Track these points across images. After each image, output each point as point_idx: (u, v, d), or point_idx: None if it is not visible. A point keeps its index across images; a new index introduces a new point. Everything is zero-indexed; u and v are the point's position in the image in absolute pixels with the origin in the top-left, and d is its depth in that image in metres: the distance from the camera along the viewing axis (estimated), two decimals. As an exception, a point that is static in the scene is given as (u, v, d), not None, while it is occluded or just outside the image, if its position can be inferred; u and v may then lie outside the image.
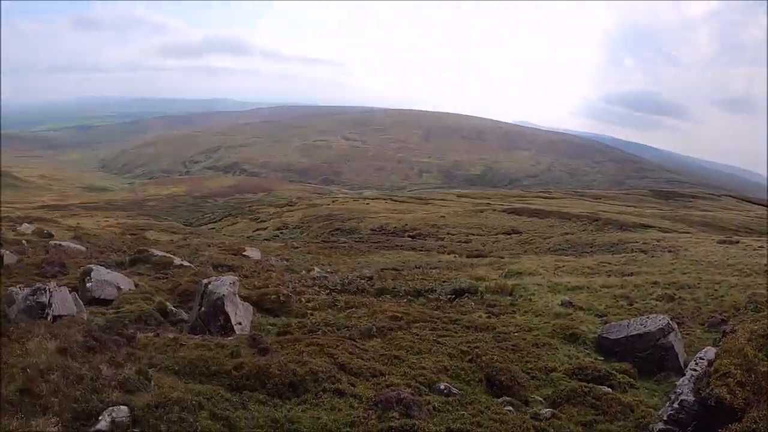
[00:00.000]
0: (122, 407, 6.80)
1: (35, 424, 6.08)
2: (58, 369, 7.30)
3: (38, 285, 11.67)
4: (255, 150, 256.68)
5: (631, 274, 22.52)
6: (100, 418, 6.60)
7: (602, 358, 11.95)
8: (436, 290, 18.54)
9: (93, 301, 14.82)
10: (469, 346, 11.76)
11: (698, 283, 19.19)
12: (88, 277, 15.71)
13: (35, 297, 10.78)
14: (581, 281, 19.56)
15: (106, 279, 15.95)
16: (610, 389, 10.09)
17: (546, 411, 8.98)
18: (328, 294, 18.34)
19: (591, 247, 38.18)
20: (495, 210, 64.49)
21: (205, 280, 13.79)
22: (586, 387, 9.90)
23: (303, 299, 16.96)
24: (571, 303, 16.05)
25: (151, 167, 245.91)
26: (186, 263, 23.28)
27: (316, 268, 26.16)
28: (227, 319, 12.55)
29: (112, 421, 6.58)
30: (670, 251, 31.48)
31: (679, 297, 17.50)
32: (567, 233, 47.68)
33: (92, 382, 7.30)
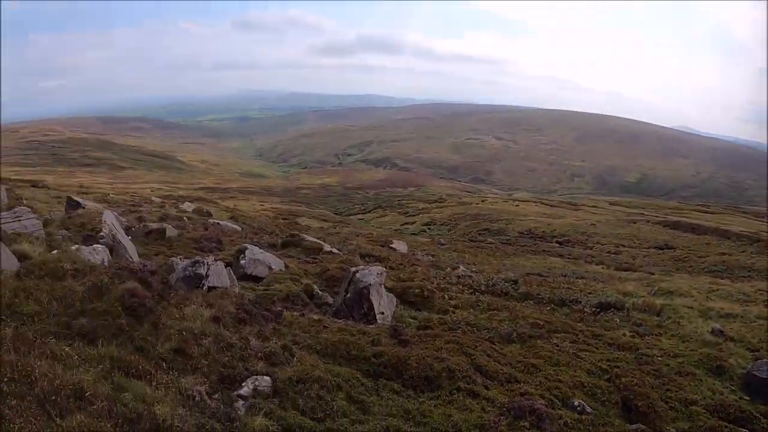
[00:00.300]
0: (265, 377, 7.34)
1: (185, 381, 6.63)
2: (211, 335, 7.93)
3: (197, 258, 12.52)
4: (407, 145, 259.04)
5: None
6: (243, 384, 7.18)
7: (748, 398, 11.12)
8: (580, 301, 18.12)
9: (245, 277, 15.81)
10: (608, 365, 11.49)
11: None
12: (242, 255, 16.78)
13: (194, 268, 11.51)
14: (735, 309, 18.43)
15: (259, 258, 16.95)
16: (744, 430, 9.55)
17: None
18: (471, 293, 18.35)
19: (749, 271, 35.89)
20: (648, 221, 62.01)
21: (353, 268, 14.33)
22: (726, 427, 9.33)
23: (446, 296, 17.12)
24: (722, 332, 15.20)
25: (306, 157, 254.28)
26: (335, 250, 24.15)
27: (461, 266, 26.22)
28: (371, 307, 12.99)
29: (255, 389, 7.14)
30: (843, 282, 29.02)
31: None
32: (724, 253, 44.97)
33: (240, 350, 7.91)
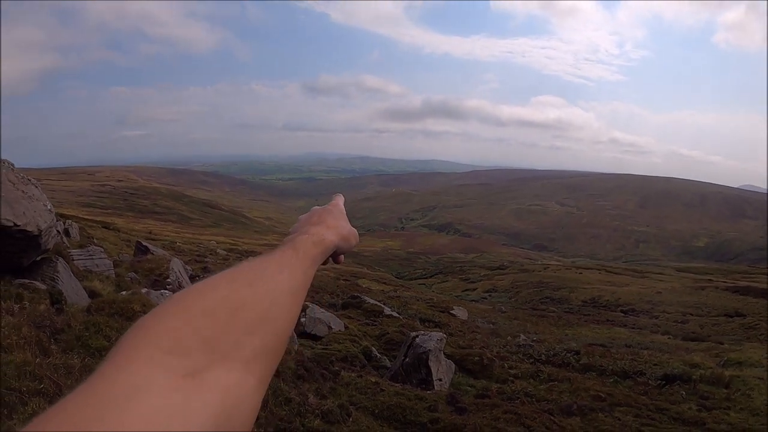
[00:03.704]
0: (323, 437, 7.52)
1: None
2: (271, 388, 8.09)
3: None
4: (469, 211, 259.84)
5: None
6: (300, 439, 7.33)
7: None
8: (645, 373, 17.70)
9: (304, 335, 16.11)
10: (676, 439, 11.27)
11: None
12: (303, 313, 17.07)
13: (256, 324, 11.88)
14: (809, 375, 17.87)
15: (319, 317, 17.26)
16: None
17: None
18: (531, 363, 18.14)
19: (826, 339, 34.62)
20: (717, 288, 60.33)
21: (413, 333, 14.45)
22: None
23: (505, 365, 16.98)
24: (793, 401, 14.77)
25: (369, 220, 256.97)
26: (395, 314, 24.27)
27: (521, 335, 26.03)
28: (429, 373, 13.01)
29: (311, 446, 7.29)
30: None
31: None
32: (798, 318, 43.41)
33: (298, 406, 8.06)
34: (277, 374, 8.73)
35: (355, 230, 1.52)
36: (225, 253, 46.08)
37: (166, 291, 13.12)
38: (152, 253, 23.34)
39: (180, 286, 15.35)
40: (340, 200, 1.64)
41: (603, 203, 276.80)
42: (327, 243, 1.37)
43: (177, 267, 17.03)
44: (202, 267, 27.71)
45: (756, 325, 41.66)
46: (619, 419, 12.25)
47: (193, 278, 21.54)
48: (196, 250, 42.07)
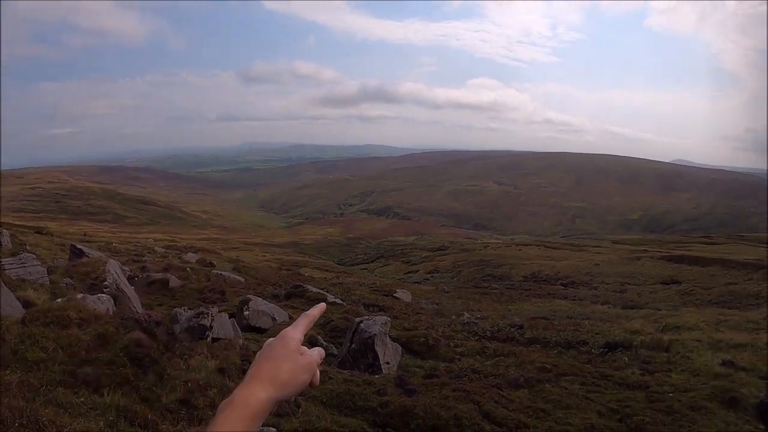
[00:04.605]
0: (271, 428, 7.30)
1: (191, 432, 6.60)
2: (216, 386, 7.89)
3: (201, 309, 12.56)
4: (407, 194, 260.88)
5: (802, 331, 20.86)
6: (249, 435, 7.11)
7: (763, 428, 10.93)
8: (588, 342, 17.93)
9: (249, 329, 15.85)
10: (619, 405, 11.34)
11: None
12: (246, 306, 16.83)
13: (198, 319, 11.56)
14: (745, 338, 18.30)
15: (263, 309, 17.00)
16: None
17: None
18: (476, 340, 18.25)
19: (757, 299, 35.66)
20: (652, 257, 61.82)
21: (358, 319, 14.31)
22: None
23: (451, 344, 17.02)
24: (732, 363, 15.07)
25: (307, 208, 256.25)
26: (338, 301, 24.12)
27: (465, 313, 26.14)
28: (376, 357, 12.92)
29: (261, 440, 7.07)
30: None
31: None
32: (730, 283, 44.74)
33: None
34: (222, 371, 8.53)
35: (308, 360, 1.42)
36: (163, 250, 45.19)
37: (103, 295, 12.69)
38: (87, 256, 22.69)
39: (118, 289, 14.87)
40: (301, 322, 1.57)
41: (539, 181, 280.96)
42: (256, 408, 1.28)
43: (114, 269, 16.51)
44: (140, 267, 27.03)
45: (691, 291, 42.87)
46: (566, 388, 12.34)
47: (131, 279, 20.99)
48: (134, 250, 41.12)
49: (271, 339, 1.48)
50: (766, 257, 57.24)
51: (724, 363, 15.09)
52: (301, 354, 1.45)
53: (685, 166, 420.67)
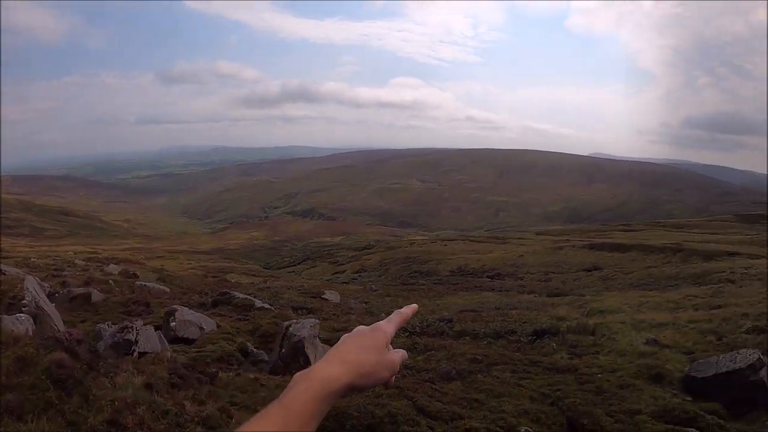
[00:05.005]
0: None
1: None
2: (144, 403, 7.60)
3: (125, 323, 12.23)
4: (332, 194, 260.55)
5: (719, 306, 21.62)
6: (183, 451, 6.92)
7: (690, 399, 11.37)
8: (516, 331, 18.24)
9: (176, 340, 15.40)
10: (550, 389, 11.57)
11: (792, 312, 18.39)
12: (172, 317, 16.35)
13: (122, 334, 11.27)
14: (666, 317, 18.95)
15: (190, 319, 16.57)
16: (696, 431, 9.79)
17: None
18: (407, 336, 18.24)
19: (675, 280, 37.04)
20: (574, 246, 63.29)
21: (286, 323, 14.12)
22: (672, 430, 9.53)
23: (382, 342, 17.02)
24: (656, 341, 15.59)
25: (231, 212, 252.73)
26: (266, 305, 23.73)
27: (395, 310, 26.20)
28: (307, 360, 12.74)
29: (195, 455, 6.89)
30: (759, 279, 30.31)
31: (773, 328, 16.77)
32: (650, 267, 46.32)
33: (176, 417, 7.59)
34: (150, 387, 8.25)
35: (393, 359, 1.36)
36: (84, 263, 43.62)
37: (22, 315, 12.13)
38: (4, 274, 21.77)
39: (37, 307, 14.26)
40: (395, 318, 1.48)
41: (462, 177, 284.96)
42: (334, 388, 1.26)
43: (32, 286, 15.81)
44: (60, 282, 25.97)
45: (613, 276, 44.10)
46: (498, 377, 12.49)
47: (51, 295, 20.21)
48: (53, 264, 39.54)
49: (362, 326, 1.43)
50: (682, 241, 59.65)
51: (648, 342, 15.57)
52: (388, 350, 1.40)
53: (604, 158, 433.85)
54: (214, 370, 11.04)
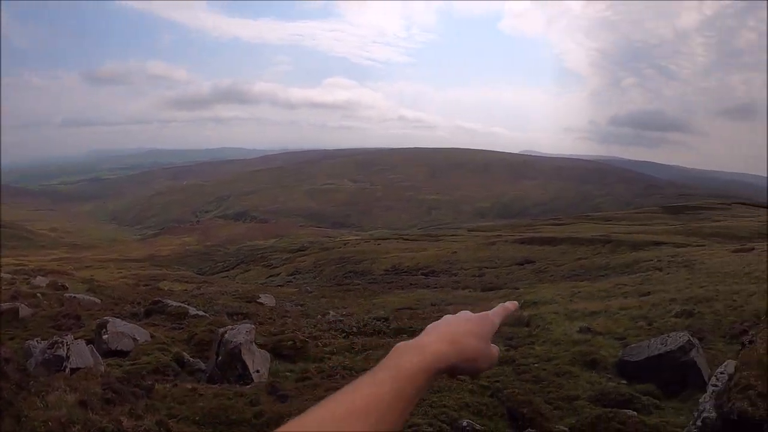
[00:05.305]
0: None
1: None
2: (79, 422, 7.30)
3: (55, 338, 11.76)
4: (264, 196, 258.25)
5: (648, 293, 22.26)
6: (122, 469, 6.64)
7: (625, 382, 11.67)
8: (452, 326, 18.34)
9: (110, 353, 14.85)
10: (489, 381, 11.60)
11: (716, 296, 19.00)
12: (104, 330, 15.77)
13: (53, 350, 10.85)
14: (598, 306, 19.38)
15: (122, 331, 16.02)
16: (635, 413, 9.93)
17: (572, 440, 8.90)
18: (344, 337, 18.18)
19: (605, 270, 37.95)
20: (506, 241, 64.24)
21: (222, 329, 13.81)
22: (610, 412, 9.66)
23: (320, 344, 16.84)
24: (589, 329, 15.88)
25: (162, 217, 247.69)
26: (201, 312, 23.26)
27: (331, 311, 26.08)
28: (245, 367, 12.52)
29: (135, 471, 6.61)
30: (685, 266, 31.32)
31: (698, 312, 17.26)
32: (580, 258, 47.40)
33: None
34: (84, 404, 7.92)
35: (493, 352, 1.29)
36: (10, 276, 41.86)
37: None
38: None
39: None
40: (500, 311, 1.39)
41: (394, 177, 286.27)
42: (438, 366, 1.16)
43: (-45, 305, 15.13)
44: (-15, 299, 24.91)
45: (545, 268, 44.88)
46: (437, 373, 12.42)
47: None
48: (-24, 280, 37.92)
49: (468, 312, 1.34)
50: (610, 233, 61.25)
51: (581, 330, 15.85)
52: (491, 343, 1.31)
53: (533, 156, 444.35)
54: (150, 382, 10.74)
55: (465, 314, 1.32)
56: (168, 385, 11.17)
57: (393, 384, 1.05)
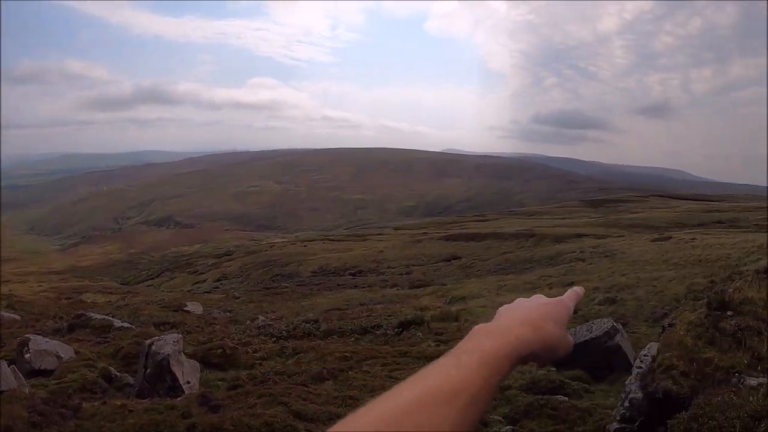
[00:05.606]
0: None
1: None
2: None
3: (-27, 361, 11.27)
4: (188, 200, 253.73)
5: (572, 283, 22.68)
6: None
7: (554, 369, 11.89)
8: (382, 325, 18.47)
9: (33, 373, 14.31)
10: (421, 377, 11.72)
11: (637, 283, 19.74)
12: (26, 348, 15.17)
13: (-29, 374, 10.39)
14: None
15: (45, 348, 15.44)
16: (566, 398, 10.21)
17: (506, 429, 9.03)
18: (274, 342, 18.10)
19: (530, 263, 38.81)
20: (432, 239, 64.91)
21: (148, 341, 13.47)
22: (542, 399, 9.96)
23: (250, 350, 16.69)
24: (516, 320, 16.18)
25: (83, 226, 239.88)
26: (126, 324, 22.68)
27: (260, 316, 25.88)
28: (174, 379, 12.25)
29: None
30: (606, 256, 32.35)
31: (621, 298, 17.91)
32: (505, 252, 48.32)
33: None
34: (9, 430, 7.60)
35: (570, 340, 1.21)
36: None
37: None
38: None
39: None
40: (572, 296, 1.31)
41: (319, 177, 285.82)
42: (520, 353, 1.08)
43: None
44: None
45: (471, 264, 45.53)
46: (369, 372, 12.55)
47: None
48: None
49: (541, 295, 1.27)
50: (534, 227, 62.66)
51: (509, 322, 16.14)
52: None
53: (457, 154, 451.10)
54: (77, 401, 10.41)
55: (539, 298, 1.28)
56: (96, 403, 10.85)
57: (480, 369, 0.98)
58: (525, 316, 1.17)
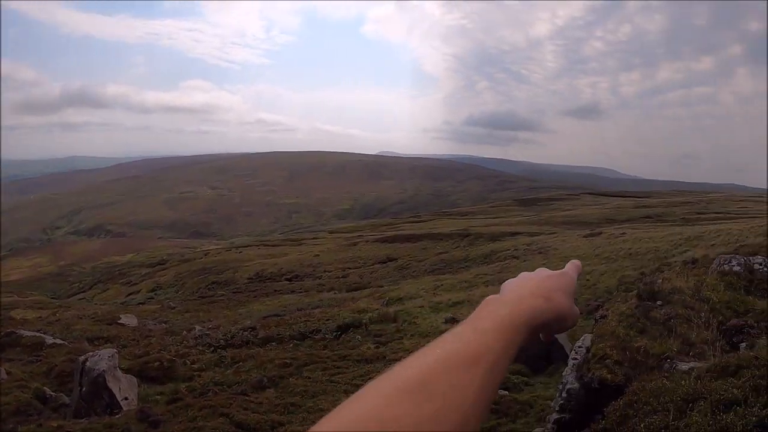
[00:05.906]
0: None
1: None
2: None
3: None
4: (119, 208, 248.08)
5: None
6: None
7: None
8: (321, 330, 18.44)
9: (-38, 400, 13.82)
10: (362, 380, 11.75)
11: (570, 277, 20.15)
12: (-50, 372, 14.65)
13: None
14: (461, 296, 20.06)
15: (-27, 372, 14.93)
16: (506, 392, 10.41)
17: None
18: (212, 352, 17.88)
19: (466, 262, 39.29)
20: (368, 241, 65.10)
21: (82, 357, 13.13)
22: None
23: (188, 361, 16.47)
24: (454, 318, 16.39)
25: (10, 237, 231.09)
26: (59, 341, 22.09)
27: (196, 326, 25.50)
28: (112, 395, 11.97)
29: None
30: (540, 252, 33.03)
31: (555, 292, 18.22)
32: (441, 252, 48.77)
33: None
34: None
35: (577, 310, 1.20)
36: None
37: None
38: None
39: None
40: (573, 268, 1.30)
41: (253, 182, 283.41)
42: (533, 323, 1.06)
43: None
44: None
45: (407, 265, 45.80)
46: (309, 377, 12.55)
47: None
48: None
49: (545, 268, 1.25)
50: (468, 227, 63.45)
51: (447, 321, 16.42)
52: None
53: (391, 156, 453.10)
54: (11, 425, 10.16)
55: (543, 271, 1.27)
56: (32, 426, 10.59)
57: (498, 334, 0.98)
58: (535, 287, 1.18)
